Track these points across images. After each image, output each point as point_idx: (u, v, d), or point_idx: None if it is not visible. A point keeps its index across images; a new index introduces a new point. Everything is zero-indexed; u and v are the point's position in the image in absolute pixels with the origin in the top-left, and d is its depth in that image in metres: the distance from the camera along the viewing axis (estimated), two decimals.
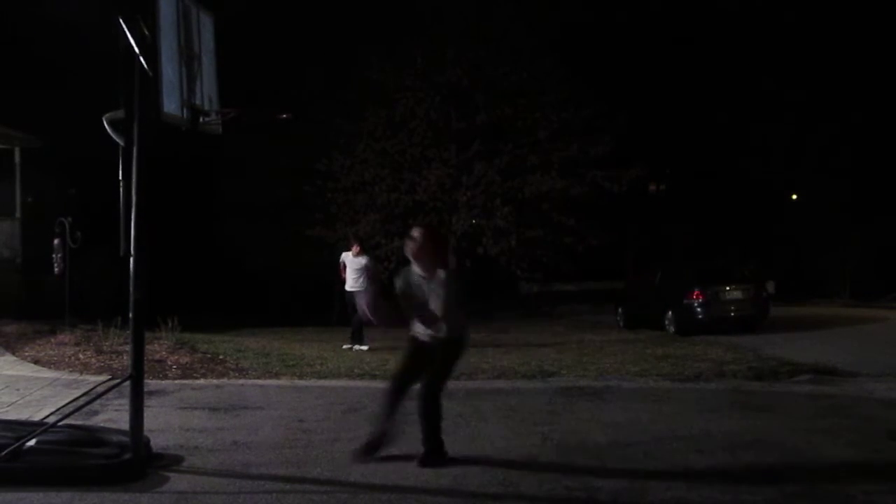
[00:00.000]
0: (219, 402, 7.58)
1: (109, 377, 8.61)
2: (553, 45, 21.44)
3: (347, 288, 13.35)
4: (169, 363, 9.74)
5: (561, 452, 5.74)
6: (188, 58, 5.48)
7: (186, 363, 9.76)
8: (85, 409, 6.56)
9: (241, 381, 9.01)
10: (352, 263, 13.29)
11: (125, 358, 9.34)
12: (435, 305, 5.35)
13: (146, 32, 5.05)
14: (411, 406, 7.45)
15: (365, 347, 12.76)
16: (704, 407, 7.42)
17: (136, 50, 5.06)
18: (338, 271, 13.84)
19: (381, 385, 8.75)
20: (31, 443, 5.22)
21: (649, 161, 23.45)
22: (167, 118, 5.22)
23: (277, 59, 22.81)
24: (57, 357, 10.06)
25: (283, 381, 9.03)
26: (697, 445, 5.90)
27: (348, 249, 13.79)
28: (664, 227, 30.81)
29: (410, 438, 6.20)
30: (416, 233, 5.59)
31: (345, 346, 12.99)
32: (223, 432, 6.31)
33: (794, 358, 10.61)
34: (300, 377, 9.30)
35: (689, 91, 27.52)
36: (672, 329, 15.45)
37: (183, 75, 5.40)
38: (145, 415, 5.43)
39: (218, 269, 24.81)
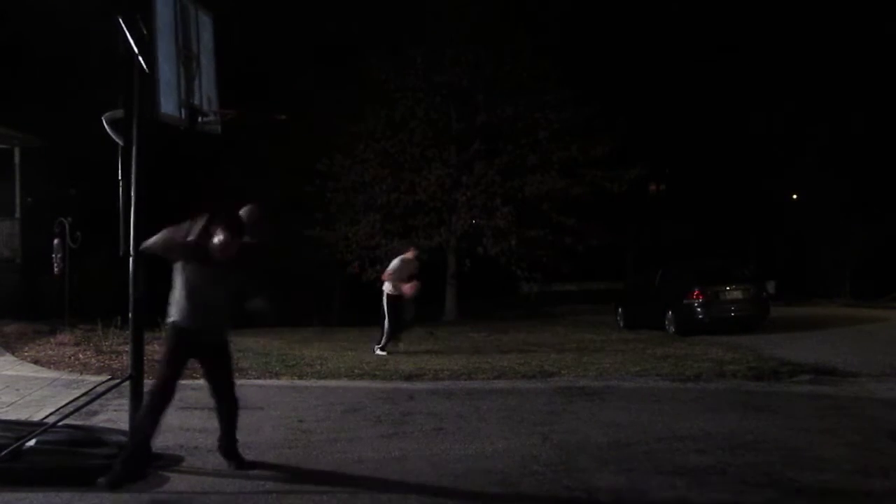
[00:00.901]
0: None
1: (109, 377, 8.60)
2: (553, 45, 21.44)
3: (392, 291, 12.30)
4: None
5: (561, 452, 5.74)
6: (186, 58, 5.48)
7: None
8: (85, 410, 6.56)
9: (241, 382, 8.92)
10: (408, 268, 12.52)
11: (125, 358, 9.34)
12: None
13: (145, 32, 5.05)
14: (409, 406, 7.48)
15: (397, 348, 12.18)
16: (704, 407, 7.41)
17: (135, 50, 5.06)
18: (377, 274, 13.43)
19: (380, 385, 8.79)
20: (31, 443, 5.22)
21: (649, 161, 23.45)
22: (165, 118, 5.22)
23: (278, 59, 22.81)
24: (57, 357, 10.07)
25: (283, 381, 9.03)
26: (697, 445, 5.89)
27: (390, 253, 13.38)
28: (664, 227, 30.80)
29: (410, 437, 6.20)
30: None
31: (380, 351, 11.98)
32: None
33: (794, 358, 10.60)
34: (300, 377, 9.30)
35: (689, 91, 27.52)
36: (672, 329, 15.42)
37: (181, 75, 5.40)
38: None
39: None
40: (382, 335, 12.18)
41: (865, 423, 6.68)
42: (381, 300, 12.44)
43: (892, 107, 25.60)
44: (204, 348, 5.19)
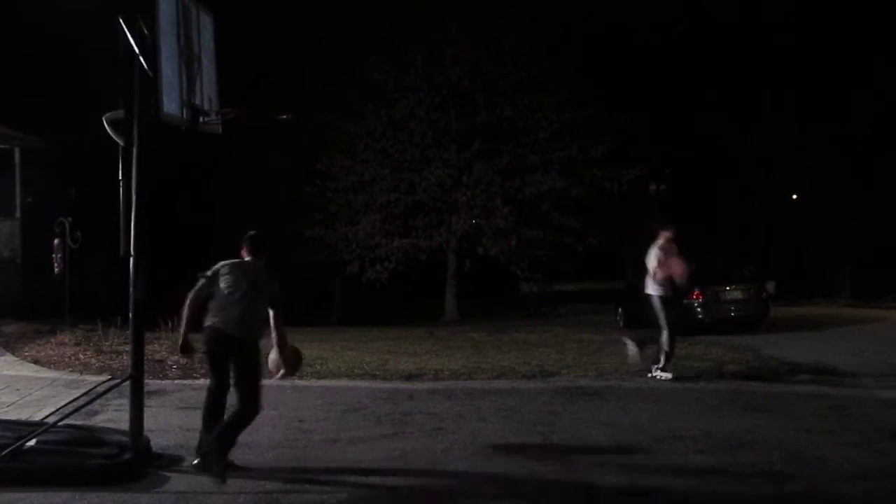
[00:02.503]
0: None
1: (109, 377, 8.60)
2: (553, 45, 21.45)
3: (661, 291, 9.52)
4: (169, 363, 9.74)
5: (561, 452, 5.74)
6: (188, 58, 5.48)
7: (186, 363, 9.72)
8: (85, 409, 6.56)
9: None
10: (671, 253, 9.61)
11: (125, 358, 9.34)
12: None
13: (146, 32, 5.05)
14: (409, 406, 7.49)
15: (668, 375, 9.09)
16: (704, 407, 7.42)
17: (136, 50, 5.07)
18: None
19: (381, 385, 8.79)
20: (32, 443, 5.22)
21: (649, 161, 23.44)
22: (167, 118, 5.22)
23: (278, 59, 22.82)
24: (57, 357, 10.06)
25: (283, 381, 9.02)
26: (697, 445, 5.90)
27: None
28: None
29: (410, 437, 6.21)
30: None
31: (663, 374, 9.13)
32: None
33: (794, 358, 10.60)
34: (300, 377, 9.28)
35: (689, 91, 27.50)
36: None
37: (183, 75, 5.40)
38: (145, 415, 5.44)
39: None
40: (660, 352, 9.24)
41: (865, 423, 6.68)
42: (650, 306, 9.55)
43: (892, 107, 25.59)
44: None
